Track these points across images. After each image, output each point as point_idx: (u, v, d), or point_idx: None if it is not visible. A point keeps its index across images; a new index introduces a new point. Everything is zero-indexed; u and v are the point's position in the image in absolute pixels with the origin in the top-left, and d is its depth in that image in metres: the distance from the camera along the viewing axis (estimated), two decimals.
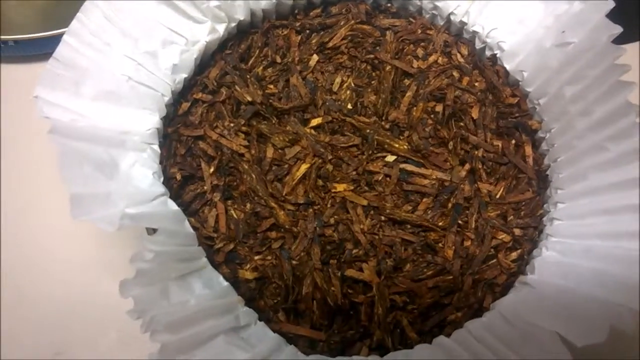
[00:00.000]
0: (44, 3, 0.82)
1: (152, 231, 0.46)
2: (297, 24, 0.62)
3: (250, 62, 0.60)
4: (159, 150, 0.51)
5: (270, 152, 0.55)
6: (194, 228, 0.51)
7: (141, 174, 0.48)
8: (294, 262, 0.49)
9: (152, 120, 0.51)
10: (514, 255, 0.52)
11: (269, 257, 0.51)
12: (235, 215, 0.53)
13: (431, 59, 0.61)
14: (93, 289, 0.63)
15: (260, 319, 0.45)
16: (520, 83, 0.58)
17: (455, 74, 0.60)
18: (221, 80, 0.58)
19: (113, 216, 0.41)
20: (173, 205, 0.48)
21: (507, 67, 0.59)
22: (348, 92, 0.59)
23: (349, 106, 0.58)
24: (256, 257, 0.51)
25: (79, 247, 0.65)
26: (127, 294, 0.40)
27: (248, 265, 0.51)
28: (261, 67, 0.59)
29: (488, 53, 0.61)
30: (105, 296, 0.60)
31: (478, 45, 0.61)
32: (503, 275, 0.51)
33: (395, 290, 0.48)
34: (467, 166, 0.55)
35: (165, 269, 0.43)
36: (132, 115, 0.50)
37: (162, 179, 0.50)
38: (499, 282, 0.51)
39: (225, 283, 0.47)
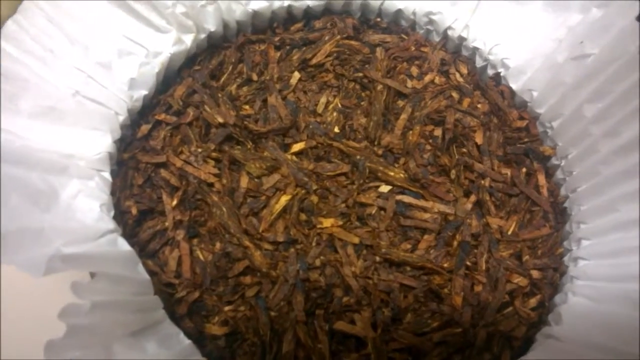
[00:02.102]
0: None
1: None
2: (276, 38, 0.55)
3: (222, 79, 0.52)
4: (110, 179, 0.43)
5: (244, 182, 0.47)
6: (152, 273, 0.43)
7: (86, 206, 0.40)
8: (272, 313, 0.43)
9: (102, 142, 0.43)
10: (532, 302, 0.45)
11: (242, 308, 0.43)
12: (201, 257, 0.45)
13: (427, 78, 0.54)
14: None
15: None
16: (528, 104, 0.52)
17: (455, 95, 0.54)
18: (188, 100, 0.50)
19: (42, 258, 0.32)
20: (124, 245, 0.39)
21: (513, 86, 0.53)
22: (334, 113, 0.51)
23: (336, 129, 0.50)
24: (226, 308, 0.43)
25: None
26: (55, 357, 0.30)
27: (216, 318, 0.43)
28: (235, 86, 0.52)
29: (491, 72, 0.55)
30: None
31: (479, 63, 0.55)
32: (522, 327, 0.43)
33: (394, 346, 0.42)
34: (472, 198, 0.48)
35: (109, 325, 0.34)
36: (78, 136, 0.42)
37: (112, 213, 0.42)
38: (517, 335, 0.43)
39: (187, 341, 0.39)
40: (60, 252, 0.33)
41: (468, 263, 0.45)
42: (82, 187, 0.40)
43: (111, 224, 0.40)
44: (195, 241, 0.46)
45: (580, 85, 0.46)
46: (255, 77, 0.52)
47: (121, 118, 0.45)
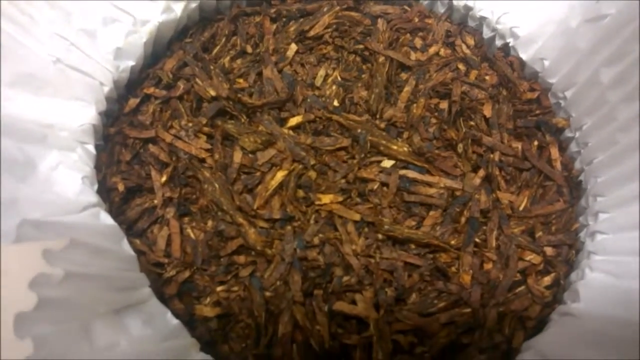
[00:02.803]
0: None
1: None
2: (272, 10, 0.52)
3: (215, 51, 0.50)
4: (94, 152, 0.40)
5: (238, 157, 0.44)
6: (139, 252, 0.41)
7: (67, 178, 0.37)
8: (267, 293, 0.40)
9: (86, 113, 0.41)
10: (547, 280, 0.42)
11: (236, 288, 0.41)
12: (192, 236, 0.42)
13: (431, 50, 0.52)
14: None
15: None
16: (540, 75, 0.49)
17: (461, 67, 0.51)
18: (179, 73, 0.48)
19: (13, 225, 0.30)
20: (107, 219, 0.37)
21: (523, 56, 0.50)
22: (334, 87, 0.49)
23: (336, 103, 0.48)
24: (219, 289, 0.41)
25: None
26: (24, 333, 0.28)
27: (208, 299, 0.41)
28: (228, 58, 0.49)
29: (499, 42, 0.52)
30: None
31: (487, 33, 0.52)
32: (536, 306, 0.41)
33: (398, 328, 0.40)
34: (481, 172, 0.45)
35: (88, 301, 0.31)
36: (59, 106, 0.39)
37: (95, 186, 0.39)
38: (531, 315, 0.40)
39: (175, 321, 0.36)
40: (32, 218, 0.31)
41: (477, 240, 0.43)
42: (63, 158, 0.38)
43: (94, 197, 0.37)
44: (186, 219, 0.43)
45: (596, 50, 0.43)
46: (249, 50, 0.50)
47: (106, 89, 0.42)
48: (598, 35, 0.42)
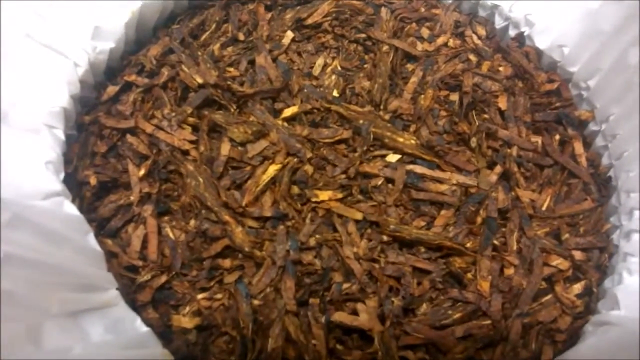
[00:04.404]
0: None
1: None
2: None
3: (204, 37, 0.46)
4: (62, 137, 0.36)
5: (225, 149, 0.40)
6: (111, 254, 0.36)
7: (28, 162, 0.32)
8: (255, 302, 0.36)
9: (56, 95, 0.36)
10: (577, 287, 0.37)
11: (219, 296, 0.36)
12: (172, 236, 0.38)
13: (439, 40, 0.48)
14: None
15: None
16: (559, 64, 0.45)
17: (472, 58, 0.47)
18: (163, 59, 0.44)
19: None
20: (72, 209, 0.32)
21: (540, 45, 0.46)
22: (333, 76, 0.45)
23: (335, 93, 0.44)
24: (200, 296, 0.36)
25: None
26: None
27: (187, 308, 0.36)
28: (218, 45, 0.45)
29: (513, 32, 0.48)
30: None
31: (499, 23, 0.49)
32: (566, 317, 0.36)
33: (407, 342, 0.35)
34: (498, 168, 0.41)
35: (39, 298, 0.26)
36: (26, 84, 0.35)
37: (61, 175, 0.34)
38: (561, 327, 0.35)
39: (145, 329, 0.31)
40: None
41: (496, 242, 0.38)
42: (25, 140, 0.33)
43: (58, 185, 0.33)
44: (165, 218, 0.39)
45: (622, 30, 0.39)
46: (241, 37, 0.46)
47: (81, 70, 0.38)
48: (623, 13, 0.38)
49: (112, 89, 0.42)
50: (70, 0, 0.38)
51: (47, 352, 0.25)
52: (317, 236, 0.37)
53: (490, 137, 0.42)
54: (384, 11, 0.49)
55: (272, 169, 0.39)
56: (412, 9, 0.50)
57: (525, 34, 0.47)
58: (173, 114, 0.41)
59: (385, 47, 0.46)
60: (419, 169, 0.40)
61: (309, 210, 0.38)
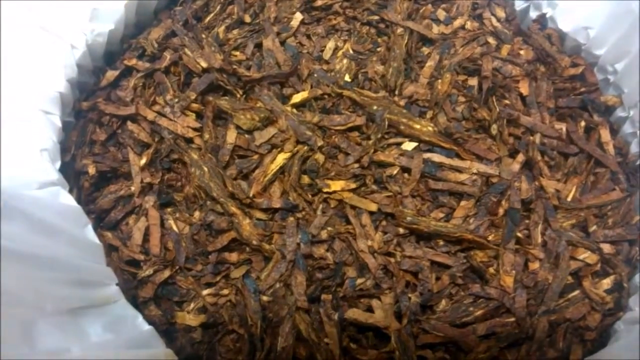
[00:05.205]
0: None
1: None
2: None
3: (208, 19, 0.43)
4: (59, 124, 0.34)
5: (232, 137, 0.38)
6: (111, 248, 0.35)
7: (22, 150, 0.30)
8: (264, 298, 0.34)
9: (52, 79, 0.34)
10: (606, 283, 0.35)
11: (226, 292, 0.35)
12: (175, 228, 0.35)
13: (456, 23, 0.45)
14: None
15: None
16: (583, 47, 0.43)
17: (492, 41, 0.45)
18: (165, 42, 0.41)
19: None
20: (69, 200, 0.30)
21: (564, 28, 0.44)
22: (345, 60, 0.42)
23: (347, 78, 0.42)
24: (205, 292, 0.35)
25: None
26: None
27: (192, 305, 0.35)
28: (223, 27, 0.43)
29: (534, 14, 0.46)
30: None
31: (519, 5, 0.47)
32: (595, 314, 0.34)
33: (425, 341, 0.33)
34: (520, 157, 0.39)
35: (33, 294, 0.24)
36: (19, 67, 0.33)
37: (58, 163, 0.32)
38: (590, 325, 0.33)
39: (147, 327, 0.29)
40: None
41: (519, 235, 0.36)
42: (18, 127, 0.31)
43: (54, 174, 0.31)
44: (168, 210, 0.37)
45: None
46: (248, 19, 0.44)
47: (78, 53, 0.37)
48: None
49: (111, 74, 0.40)
50: None
51: (41, 353, 0.23)
52: (329, 228, 0.36)
53: (512, 123, 0.40)
54: None
55: (281, 158, 0.37)
56: None
57: (547, 15, 0.45)
58: (176, 100, 0.39)
59: (399, 30, 0.43)
60: (436, 157, 0.38)
61: (320, 201, 0.36)
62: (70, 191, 0.34)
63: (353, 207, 0.36)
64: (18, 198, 0.26)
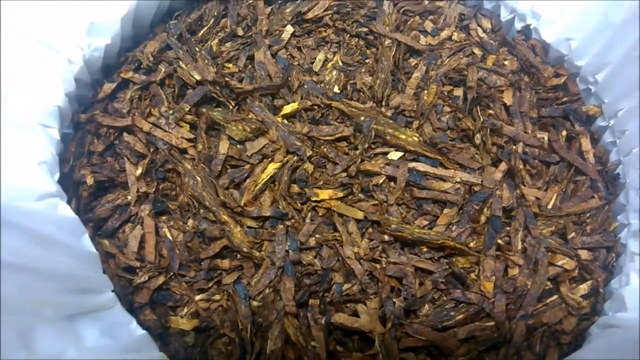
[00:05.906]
0: None
1: None
2: None
3: (201, 33, 0.45)
4: (57, 137, 0.35)
5: (224, 147, 0.39)
6: (108, 255, 0.36)
7: (21, 163, 0.31)
8: (254, 303, 0.35)
9: (50, 93, 0.36)
10: (583, 288, 0.36)
11: (218, 297, 0.36)
12: (170, 236, 0.37)
13: (443, 34, 0.47)
14: None
15: None
16: (566, 58, 0.44)
17: (477, 52, 0.46)
18: (160, 56, 0.43)
19: None
20: (66, 211, 0.31)
21: (547, 39, 0.45)
22: (334, 72, 0.44)
23: (336, 89, 0.43)
24: (198, 297, 0.36)
25: None
26: None
27: (185, 310, 0.36)
28: (216, 40, 0.44)
29: (519, 25, 0.47)
30: None
31: (505, 15, 0.48)
32: (571, 318, 0.35)
33: (408, 344, 0.34)
34: (502, 166, 0.40)
35: (31, 301, 0.26)
36: (17, 81, 0.34)
37: (56, 175, 0.33)
38: (566, 329, 0.35)
39: (141, 332, 0.30)
40: None
41: (500, 242, 0.37)
42: (18, 139, 0.32)
43: (52, 186, 0.32)
44: (163, 218, 0.38)
45: (632, 22, 0.37)
46: (240, 32, 0.45)
47: (76, 68, 0.38)
48: (635, 5, 0.37)
49: (108, 87, 0.41)
50: None
51: (39, 357, 0.25)
52: (317, 236, 0.37)
53: (495, 133, 0.41)
54: (386, 4, 0.47)
55: (272, 168, 0.39)
56: (415, 2, 0.48)
57: (531, 26, 0.46)
58: (170, 111, 0.40)
59: (387, 42, 0.45)
60: (421, 166, 0.39)
61: (309, 209, 0.38)
62: (69, 201, 0.35)
63: (340, 215, 0.37)
64: (17, 210, 0.28)
